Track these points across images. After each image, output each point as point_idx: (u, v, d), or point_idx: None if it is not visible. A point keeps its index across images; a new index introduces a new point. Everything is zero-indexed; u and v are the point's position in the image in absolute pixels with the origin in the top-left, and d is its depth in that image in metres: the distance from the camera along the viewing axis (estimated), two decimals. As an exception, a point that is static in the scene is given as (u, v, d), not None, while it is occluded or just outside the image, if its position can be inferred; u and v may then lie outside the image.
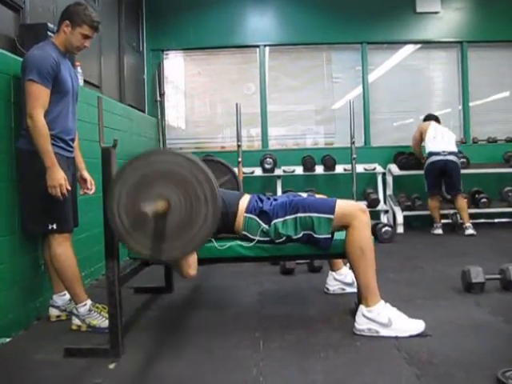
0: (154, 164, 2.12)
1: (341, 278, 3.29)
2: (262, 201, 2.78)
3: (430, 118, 6.13)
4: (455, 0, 6.80)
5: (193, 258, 2.44)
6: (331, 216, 2.55)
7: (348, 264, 3.25)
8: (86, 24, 2.72)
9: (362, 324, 2.53)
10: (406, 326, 2.51)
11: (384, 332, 2.48)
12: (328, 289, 3.32)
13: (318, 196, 3.03)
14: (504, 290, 3.20)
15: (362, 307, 2.55)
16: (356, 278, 2.62)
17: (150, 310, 3.13)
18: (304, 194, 3.01)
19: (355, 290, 3.05)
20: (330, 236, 2.58)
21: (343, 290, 3.29)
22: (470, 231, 5.59)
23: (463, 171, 6.20)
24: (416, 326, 2.51)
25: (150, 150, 2.23)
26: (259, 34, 6.75)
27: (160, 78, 6.60)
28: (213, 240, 2.69)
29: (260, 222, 2.66)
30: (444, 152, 5.68)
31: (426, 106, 6.97)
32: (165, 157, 2.16)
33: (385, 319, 2.50)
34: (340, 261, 3.28)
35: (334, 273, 3.31)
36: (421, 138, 6.02)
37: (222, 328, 2.72)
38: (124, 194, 2.13)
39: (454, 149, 5.76)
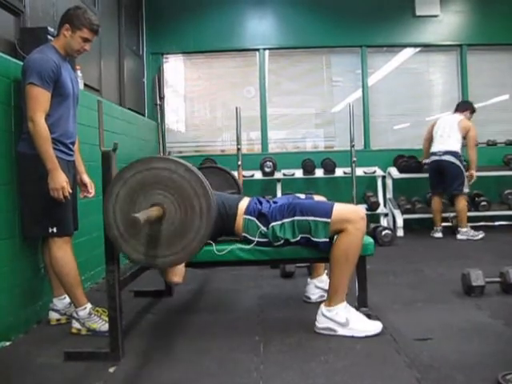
0: (154, 170, 2.14)
1: (322, 286, 3.20)
2: (261, 203, 2.79)
3: (457, 108, 5.95)
4: (454, 3, 6.81)
5: (180, 267, 2.48)
6: (328, 220, 2.54)
7: (326, 270, 3.25)
8: (86, 27, 2.72)
9: (321, 323, 2.60)
10: (363, 326, 2.56)
11: (341, 331, 2.54)
12: (309, 298, 3.21)
13: (317, 198, 3.03)
14: (504, 293, 3.20)
15: (322, 306, 2.62)
16: (330, 277, 2.64)
17: (149, 314, 3.13)
18: (302, 196, 3.01)
19: None
20: (328, 240, 2.58)
21: (323, 297, 3.16)
22: (460, 236, 5.59)
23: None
24: (373, 327, 2.56)
25: (152, 156, 2.23)
26: (259, 37, 6.77)
27: (160, 82, 6.61)
28: (212, 244, 2.70)
29: (259, 224, 2.67)
30: (439, 152, 5.66)
31: (425, 109, 6.99)
32: (166, 164, 2.16)
33: (342, 319, 2.55)
34: (322, 266, 3.23)
35: (314, 280, 3.23)
36: (430, 135, 5.93)
37: (222, 331, 2.72)
38: (121, 198, 2.14)
39: (451, 148, 5.63)
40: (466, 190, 5.64)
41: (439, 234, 5.78)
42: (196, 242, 2.16)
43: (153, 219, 2.07)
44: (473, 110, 5.87)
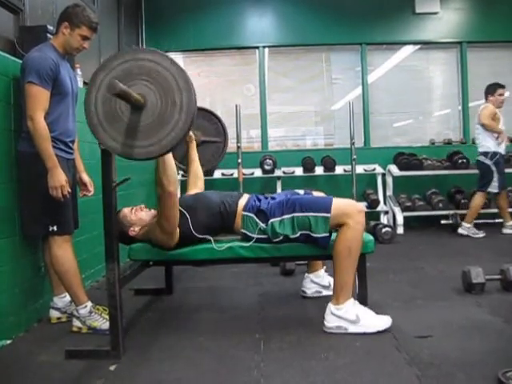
0: (140, 61, 2.14)
1: (318, 281, 3.24)
2: (260, 200, 2.80)
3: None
4: (454, 0, 6.81)
5: (173, 175, 2.49)
6: (328, 215, 2.55)
7: (325, 266, 3.27)
8: (85, 25, 2.72)
9: (331, 322, 2.57)
10: (374, 322, 2.55)
11: (352, 329, 2.52)
12: (305, 292, 3.26)
13: (315, 193, 3.03)
14: (504, 291, 3.20)
15: (330, 305, 2.58)
16: (334, 275, 2.61)
17: (150, 312, 3.13)
18: (301, 191, 3.01)
19: (331, 292, 3.07)
20: (328, 234, 2.59)
21: (319, 292, 3.23)
22: (461, 231, 5.62)
23: (462, 171, 6.22)
24: (383, 322, 2.56)
25: (140, 48, 2.26)
26: (258, 35, 6.76)
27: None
28: (212, 241, 2.70)
29: (258, 220, 2.68)
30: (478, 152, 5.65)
31: (425, 106, 6.99)
32: (153, 56, 2.16)
33: (353, 316, 2.53)
34: (319, 262, 3.25)
35: (310, 275, 3.25)
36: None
37: (223, 329, 2.72)
38: (104, 85, 2.13)
39: (481, 149, 5.56)
40: (493, 190, 5.55)
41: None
42: (173, 134, 2.14)
43: (131, 98, 2.06)
44: (489, 92, 5.60)
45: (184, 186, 3.05)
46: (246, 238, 2.72)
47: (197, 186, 3.25)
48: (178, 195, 3.12)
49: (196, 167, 3.35)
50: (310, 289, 3.26)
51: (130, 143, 2.16)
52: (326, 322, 2.58)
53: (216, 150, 3.61)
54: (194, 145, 3.37)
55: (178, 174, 5.39)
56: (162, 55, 2.16)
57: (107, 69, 2.16)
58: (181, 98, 2.12)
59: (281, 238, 2.64)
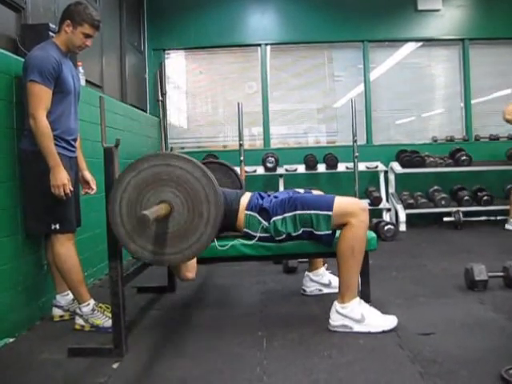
0: (171, 167, 2.12)
1: (317, 279, 3.25)
2: (262, 198, 2.79)
3: None
4: (456, -3, 6.80)
5: (192, 262, 2.46)
6: (329, 213, 2.55)
7: (326, 264, 3.27)
8: (87, 23, 2.72)
9: (336, 320, 2.56)
10: (379, 321, 2.54)
11: (357, 328, 2.51)
12: (305, 290, 3.27)
13: (315, 192, 3.03)
14: (507, 288, 3.19)
15: (335, 304, 2.58)
16: (339, 274, 2.61)
17: (153, 310, 3.14)
18: (301, 190, 3.01)
19: (332, 290, 3.08)
20: (330, 232, 2.58)
21: (320, 290, 3.24)
22: (508, 226, 5.67)
23: (465, 169, 6.21)
24: (389, 322, 2.54)
25: (171, 153, 2.21)
26: (260, 32, 6.75)
27: (161, 78, 6.59)
28: (214, 240, 2.70)
29: (260, 219, 2.67)
30: None
31: (427, 103, 6.98)
32: (184, 164, 2.13)
33: (358, 315, 2.53)
34: (320, 260, 3.25)
35: (310, 273, 3.26)
36: None
37: (225, 327, 2.72)
38: (131, 187, 2.13)
39: None
40: None
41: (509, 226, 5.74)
42: (197, 246, 2.16)
43: (161, 217, 2.06)
44: None
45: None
46: (249, 237, 2.72)
47: None
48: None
49: None
50: (310, 287, 3.26)
51: (163, 251, 2.17)
52: (331, 321, 2.57)
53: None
54: None
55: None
56: (194, 165, 2.13)
57: (136, 170, 2.13)
58: (208, 210, 2.11)
59: (283, 236, 2.64)
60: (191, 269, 2.50)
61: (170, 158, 2.15)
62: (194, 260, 2.47)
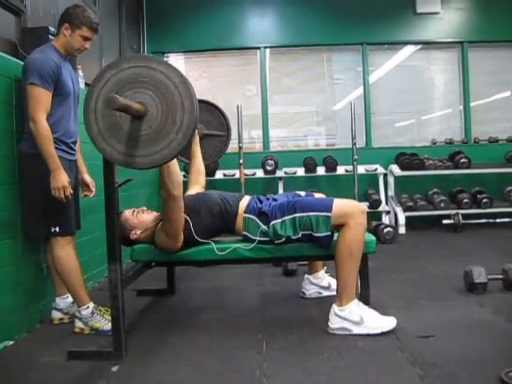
0: (152, 70, 2.09)
1: (317, 282, 3.25)
2: (261, 201, 2.79)
3: None
4: (455, 0, 6.80)
5: (176, 178, 2.46)
6: (329, 214, 2.55)
7: (325, 267, 3.27)
8: (86, 26, 2.72)
9: (335, 323, 2.56)
10: (378, 323, 2.53)
11: (356, 330, 2.51)
12: (304, 293, 3.27)
13: (316, 195, 3.04)
14: (507, 290, 3.19)
15: (334, 306, 2.58)
16: (337, 276, 2.61)
17: (152, 313, 3.13)
18: (302, 193, 3.01)
19: (331, 293, 3.08)
20: (330, 234, 2.59)
21: (320, 293, 3.24)
22: None
23: (464, 171, 6.21)
24: (388, 323, 2.54)
25: (155, 57, 2.17)
26: (260, 35, 6.76)
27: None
28: (212, 244, 2.70)
29: (259, 222, 2.68)
30: None
31: (426, 106, 6.99)
32: (165, 69, 2.10)
33: (357, 317, 2.52)
34: (320, 262, 3.25)
35: (310, 276, 3.27)
36: None
37: (225, 329, 2.72)
38: (109, 85, 2.11)
39: None
40: None
41: None
42: (165, 152, 2.10)
43: (132, 110, 2.03)
44: None
45: (185, 183, 3.03)
46: (248, 240, 2.72)
47: (198, 182, 3.24)
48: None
49: (198, 162, 3.33)
50: (309, 290, 3.26)
51: (134, 153, 2.13)
52: (329, 323, 2.57)
53: (219, 143, 3.59)
54: (196, 139, 3.36)
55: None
56: (175, 71, 2.11)
57: (117, 68, 2.12)
58: (182, 117, 2.08)
59: (283, 239, 2.64)
60: (177, 186, 2.48)
61: (151, 61, 2.13)
62: (179, 177, 2.48)
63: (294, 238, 2.63)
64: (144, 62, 2.12)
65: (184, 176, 5.46)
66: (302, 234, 2.62)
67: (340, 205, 2.59)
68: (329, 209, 2.57)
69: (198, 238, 2.71)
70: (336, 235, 2.61)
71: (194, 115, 2.08)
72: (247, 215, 2.72)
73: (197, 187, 3.17)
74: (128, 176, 2.50)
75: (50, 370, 2.28)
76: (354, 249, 2.53)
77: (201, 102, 3.54)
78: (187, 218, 2.69)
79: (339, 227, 2.57)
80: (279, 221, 2.64)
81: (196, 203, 2.79)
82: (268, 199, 2.83)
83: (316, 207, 2.60)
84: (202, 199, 2.84)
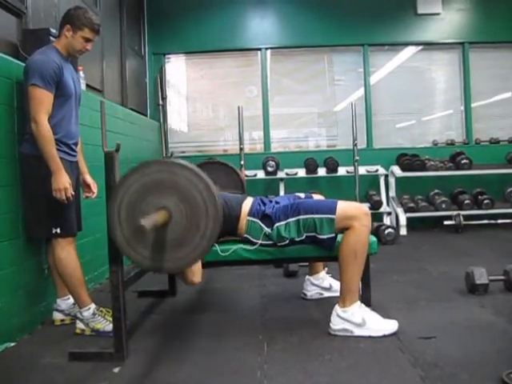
0: (175, 175, 2.11)
1: (318, 283, 3.25)
2: (264, 204, 2.78)
3: None
4: (456, 1, 6.80)
5: (197, 266, 2.46)
6: (333, 216, 2.55)
7: (326, 268, 3.27)
8: (87, 27, 2.73)
9: (336, 324, 2.55)
10: (380, 325, 2.53)
11: (358, 332, 2.51)
12: (305, 294, 3.27)
13: (315, 197, 3.04)
14: (508, 291, 3.19)
15: (337, 307, 2.57)
16: (340, 278, 2.61)
17: (153, 314, 3.13)
18: (302, 195, 3.01)
19: (332, 294, 3.08)
20: (333, 235, 2.59)
21: (321, 294, 3.24)
22: None
23: (465, 172, 6.21)
24: (390, 326, 2.54)
25: (178, 161, 2.17)
26: (261, 36, 6.77)
27: (162, 82, 6.60)
28: (215, 245, 2.70)
29: (263, 225, 2.67)
30: None
31: (428, 107, 6.99)
32: (189, 174, 2.12)
33: (359, 319, 2.52)
34: (321, 264, 3.25)
35: (311, 277, 3.26)
36: None
37: (226, 331, 2.72)
38: (133, 190, 2.12)
39: None
40: None
41: None
42: (191, 256, 2.16)
43: (159, 225, 2.06)
44: None
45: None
46: (249, 243, 2.71)
47: None
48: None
49: None
50: (310, 291, 3.26)
51: (162, 258, 2.17)
52: (331, 325, 2.57)
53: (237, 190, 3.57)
54: None
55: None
56: (198, 176, 2.11)
57: (140, 173, 2.13)
58: (206, 224, 2.10)
59: (286, 241, 2.64)
60: (196, 273, 2.49)
61: (175, 166, 2.14)
62: (199, 264, 2.48)
63: (297, 239, 2.63)
64: (167, 167, 2.15)
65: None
66: (306, 236, 2.61)
67: (344, 207, 2.59)
68: (333, 211, 2.56)
69: None
70: (340, 237, 2.61)
71: (217, 221, 2.11)
72: (251, 218, 2.70)
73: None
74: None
75: (51, 371, 2.28)
76: (359, 251, 2.53)
77: (215, 163, 3.55)
78: None
79: (344, 230, 2.57)
80: (283, 223, 2.63)
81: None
82: (271, 202, 2.82)
83: (320, 209, 2.60)
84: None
